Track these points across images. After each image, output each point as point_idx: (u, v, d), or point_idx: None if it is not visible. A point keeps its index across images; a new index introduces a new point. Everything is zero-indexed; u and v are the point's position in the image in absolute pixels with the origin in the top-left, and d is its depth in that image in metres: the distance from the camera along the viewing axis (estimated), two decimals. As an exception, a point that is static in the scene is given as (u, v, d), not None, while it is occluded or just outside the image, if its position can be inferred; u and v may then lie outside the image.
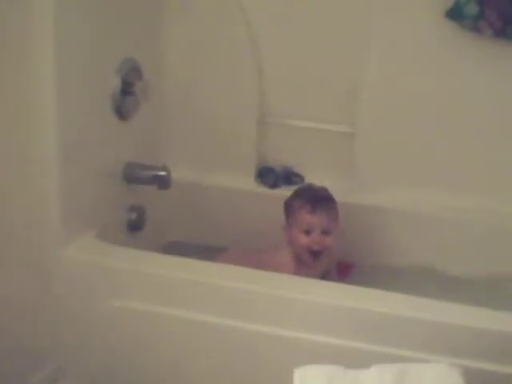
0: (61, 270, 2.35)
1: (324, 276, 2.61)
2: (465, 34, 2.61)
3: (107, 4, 2.42)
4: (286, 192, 2.84)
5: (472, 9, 2.54)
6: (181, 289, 2.26)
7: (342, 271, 2.79)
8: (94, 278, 2.34)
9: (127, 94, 2.56)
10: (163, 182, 2.69)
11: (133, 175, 2.68)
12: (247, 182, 2.98)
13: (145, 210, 2.78)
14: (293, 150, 2.99)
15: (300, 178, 2.98)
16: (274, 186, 2.96)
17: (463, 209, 2.79)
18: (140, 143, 2.80)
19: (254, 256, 2.65)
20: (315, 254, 2.53)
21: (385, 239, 2.87)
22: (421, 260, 2.84)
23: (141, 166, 2.70)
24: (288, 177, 2.98)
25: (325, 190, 2.62)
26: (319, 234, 2.51)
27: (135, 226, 2.74)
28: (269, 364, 2.21)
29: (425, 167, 2.83)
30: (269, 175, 2.98)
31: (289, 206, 2.60)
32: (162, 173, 2.68)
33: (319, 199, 2.55)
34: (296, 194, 2.63)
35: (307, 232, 2.51)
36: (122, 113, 2.58)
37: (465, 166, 2.80)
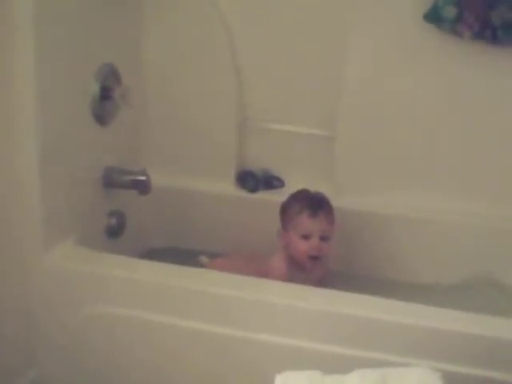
0: (40, 277, 2.34)
1: (320, 282, 2.58)
2: (444, 36, 2.62)
3: (85, 10, 2.41)
4: (266, 196, 2.86)
5: (450, 12, 2.54)
6: (162, 295, 2.25)
7: None
8: (74, 284, 2.32)
9: (106, 99, 2.55)
10: (143, 187, 2.68)
11: (112, 180, 2.67)
12: (227, 186, 2.97)
13: (124, 215, 2.77)
14: (273, 153, 2.98)
15: (280, 181, 2.96)
16: (254, 189, 2.95)
17: (446, 212, 2.79)
18: (119, 148, 2.79)
19: (249, 261, 2.64)
20: (313, 260, 2.51)
21: (364, 244, 2.86)
22: (400, 265, 2.84)
23: (120, 170, 2.70)
24: (268, 181, 2.97)
25: (322, 194, 2.61)
26: (318, 240, 2.50)
27: (115, 232, 2.73)
28: (252, 369, 2.20)
29: (405, 171, 2.83)
30: (249, 179, 2.97)
31: (286, 210, 2.59)
32: (142, 177, 2.67)
33: (319, 204, 2.54)
34: (294, 198, 2.61)
35: (305, 237, 2.50)
36: (101, 118, 2.57)
37: (446, 169, 2.80)
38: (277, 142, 2.95)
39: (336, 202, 2.70)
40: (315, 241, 2.50)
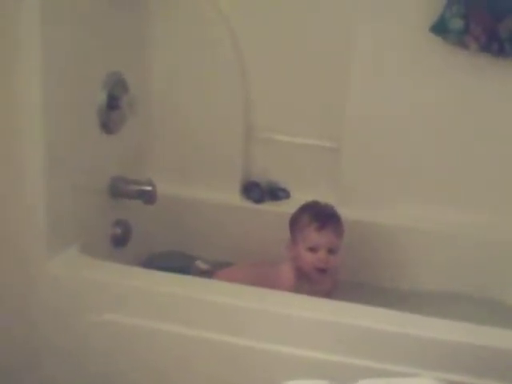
0: (45, 285, 2.33)
1: (329, 294, 2.56)
2: (450, 48, 2.62)
3: (93, 19, 2.42)
4: (271, 207, 2.85)
5: (457, 23, 2.55)
6: (166, 303, 2.25)
7: None
8: (77, 292, 2.32)
9: (113, 108, 2.55)
10: (149, 197, 2.68)
11: (118, 190, 2.68)
12: (233, 197, 2.98)
13: (130, 224, 2.76)
14: (278, 164, 2.98)
15: (286, 192, 2.97)
16: (259, 200, 2.95)
17: (450, 223, 2.79)
18: (126, 157, 2.79)
19: (256, 270, 2.64)
20: (320, 272, 2.50)
21: (368, 254, 2.86)
22: (405, 275, 2.84)
23: (126, 180, 2.70)
24: (273, 192, 2.97)
25: (332, 207, 2.60)
26: (325, 253, 2.49)
27: (120, 241, 2.73)
28: (258, 379, 2.19)
29: (410, 182, 2.84)
30: (254, 190, 2.97)
31: (295, 222, 2.58)
32: (148, 187, 2.67)
33: (328, 217, 2.53)
34: (303, 210, 2.60)
35: (313, 250, 2.49)
36: (107, 127, 2.58)
37: (451, 181, 2.80)
38: (282, 153, 2.95)
39: (341, 212, 2.70)
40: (322, 253, 2.49)
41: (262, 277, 2.54)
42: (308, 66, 2.86)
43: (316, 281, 2.52)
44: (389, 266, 2.85)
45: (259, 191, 2.97)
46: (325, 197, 2.72)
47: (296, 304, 2.21)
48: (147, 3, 2.82)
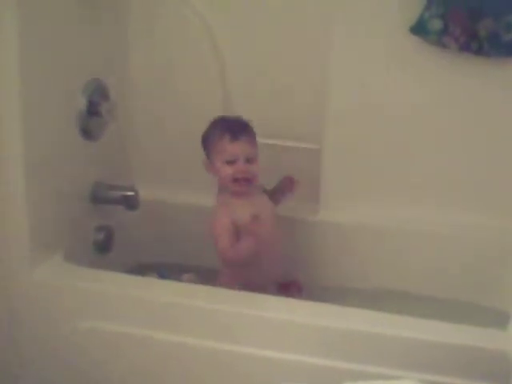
0: (28, 293, 2.33)
1: (270, 209, 2.60)
2: (430, 48, 2.63)
3: (72, 25, 2.42)
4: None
5: (436, 24, 2.55)
6: (153, 310, 2.25)
7: (288, 289, 2.69)
8: (62, 300, 2.32)
9: (93, 114, 2.55)
10: (131, 203, 2.69)
11: (100, 195, 2.68)
12: (216, 201, 2.97)
13: (113, 230, 2.76)
14: (260, 167, 2.97)
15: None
16: (242, 203, 2.95)
17: (434, 224, 2.79)
18: (107, 163, 2.78)
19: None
20: (243, 183, 2.50)
21: (349, 257, 2.85)
22: (389, 277, 2.84)
23: (108, 186, 2.70)
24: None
25: (240, 117, 2.59)
26: (244, 163, 2.48)
27: (103, 247, 2.72)
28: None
29: (392, 183, 2.83)
30: (238, 193, 2.97)
31: (207, 139, 2.57)
32: (130, 193, 2.68)
33: (238, 126, 2.52)
34: (213, 126, 2.58)
35: (231, 162, 2.48)
36: (88, 133, 2.57)
37: (436, 181, 2.80)
38: (264, 155, 2.93)
39: (323, 215, 2.70)
40: (240, 164, 2.48)
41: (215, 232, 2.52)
42: (287, 67, 2.86)
43: (242, 192, 2.51)
44: (373, 268, 2.85)
45: (241, 194, 2.97)
46: (306, 199, 2.72)
47: (281, 308, 2.21)
48: (127, 10, 2.82)
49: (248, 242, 2.41)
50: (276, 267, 2.60)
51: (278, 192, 2.73)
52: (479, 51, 2.57)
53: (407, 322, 2.12)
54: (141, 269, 2.89)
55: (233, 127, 2.52)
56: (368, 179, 2.84)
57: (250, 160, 2.50)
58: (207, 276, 2.65)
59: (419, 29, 2.58)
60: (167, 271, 2.77)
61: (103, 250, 2.72)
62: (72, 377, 2.36)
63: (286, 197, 2.73)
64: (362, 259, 2.84)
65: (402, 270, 2.83)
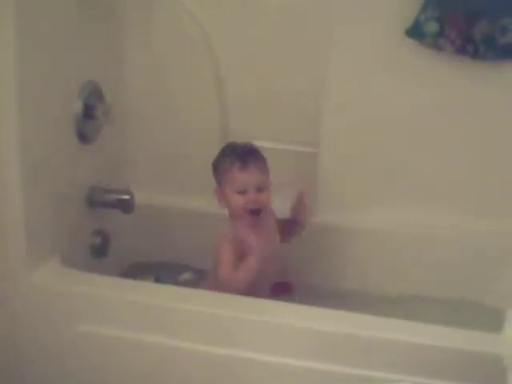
0: (25, 297, 2.32)
1: (274, 233, 2.55)
2: (426, 51, 2.63)
3: (67, 28, 2.41)
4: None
5: (432, 27, 2.55)
6: (150, 314, 2.24)
7: (279, 290, 2.70)
8: (59, 304, 2.31)
9: (89, 117, 2.55)
10: (127, 206, 2.68)
11: (96, 199, 2.67)
12: (212, 204, 2.96)
13: (109, 233, 2.75)
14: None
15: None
16: (238, 207, 2.94)
17: (432, 226, 2.79)
18: (103, 166, 2.78)
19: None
20: (254, 214, 2.44)
21: (347, 259, 2.86)
22: (386, 280, 2.84)
23: (104, 189, 2.70)
24: (252, 198, 2.96)
25: (250, 143, 2.53)
26: (254, 192, 2.42)
27: (99, 251, 2.72)
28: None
29: (389, 186, 2.83)
30: (233, 196, 2.96)
31: (217, 168, 2.50)
32: (126, 196, 2.67)
33: (248, 154, 2.45)
34: (222, 154, 2.52)
35: (241, 192, 2.42)
36: (84, 136, 2.57)
37: (430, 183, 2.80)
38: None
39: (320, 217, 2.69)
40: (251, 194, 2.42)
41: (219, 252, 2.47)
42: (284, 70, 2.86)
43: (253, 223, 2.45)
44: (368, 270, 2.85)
45: (238, 198, 2.96)
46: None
47: (273, 311, 2.21)
48: (123, 13, 2.82)
49: (247, 273, 2.35)
50: (275, 276, 2.60)
51: (289, 226, 2.66)
52: (475, 54, 2.57)
53: (403, 326, 2.11)
54: (137, 270, 2.89)
55: (242, 155, 2.44)
56: (364, 182, 2.85)
57: (260, 189, 2.43)
58: (204, 276, 2.66)
59: (415, 31, 2.59)
60: (165, 274, 2.77)
61: (99, 253, 2.72)
62: (70, 379, 2.35)
63: (296, 235, 2.66)
64: (361, 262, 2.85)
65: (401, 272, 2.83)
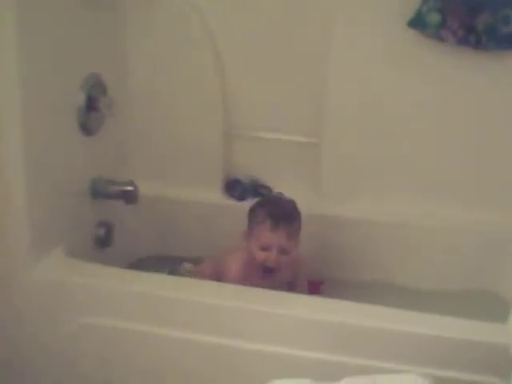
0: (30, 288, 2.33)
1: (290, 288, 2.55)
2: (428, 42, 2.63)
3: (70, 20, 2.41)
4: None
5: (434, 18, 2.56)
6: (152, 305, 2.25)
7: (312, 289, 2.74)
8: (63, 295, 2.32)
9: (92, 109, 2.55)
10: (130, 197, 2.68)
11: (100, 191, 2.68)
12: (215, 195, 2.98)
13: (113, 225, 2.76)
14: (259, 161, 2.98)
15: (267, 189, 2.97)
16: (241, 198, 2.95)
17: (432, 218, 2.81)
18: (106, 158, 2.78)
19: (216, 264, 2.63)
20: (267, 271, 2.45)
21: (350, 251, 2.87)
22: (388, 271, 2.86)
23: (108, 181, 2.70)
24: (255, 189, 2.97)
25: (291, 204, 2.53)
26: (276, 253, 2.42)
27: (103, 242, 2.72)
28: (242, 378, 2.19)
29: (391, 177, 2.85)
30: (236, 187, 2.97)
31: (251, 215, 2.53)
32: (129, 188, 2.67)
33: (283, 217, 2.44)
34: (260, 205, 2.53)
35: (264, 248, 2.43)
36: (87, 128, 2.57)
37: (432, 175, 2.81)
38: (263, 149, 2.95)
39: (322, 208, 2.70)
40: (273, 254, 2.43)
41: (220, 265, 2.55)
42: (286, 61, 2.86)
43: (263, 278, 2.47)
44: (370, 261, 2.87)
45: (241, 188, 2.97)
46: (306, 193, 2.74)
47: (279, 302, 2.22)
48: (125, 5, 2.82)
49: None
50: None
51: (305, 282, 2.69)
52: (477, 44, 2.57)
53: (408, 317, 2.12)
54: (147, 264, 2.91)
55: (278, 216, 2.43)
56: (366, 173, 2.86)
57: (283, 251, 2.43)
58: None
59: (417, 22, 2.59)
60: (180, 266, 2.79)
61: (104, 244, 2.73)
62: (73, 372, 2.36)
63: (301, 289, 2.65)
64: (363, 253, 2.87)
65: (402, 263, 2.84)
